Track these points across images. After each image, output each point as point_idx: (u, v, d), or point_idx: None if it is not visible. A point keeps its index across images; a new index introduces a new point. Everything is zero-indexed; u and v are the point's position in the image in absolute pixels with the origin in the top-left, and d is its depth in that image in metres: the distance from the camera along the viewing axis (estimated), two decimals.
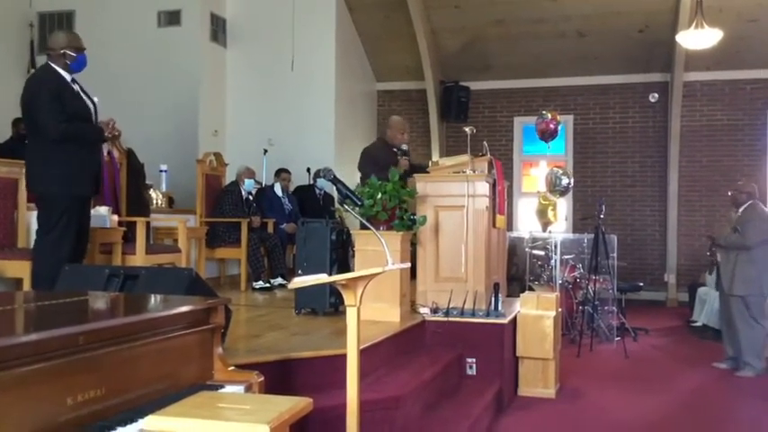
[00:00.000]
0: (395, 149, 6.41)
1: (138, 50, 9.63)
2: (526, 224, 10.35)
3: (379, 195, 4.82)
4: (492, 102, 11.70)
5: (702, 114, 10.86)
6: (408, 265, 4.48)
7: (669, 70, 10.70)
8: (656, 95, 10.96)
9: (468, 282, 5.31)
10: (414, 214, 5.23)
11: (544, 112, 8.73)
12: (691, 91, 10.75)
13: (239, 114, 10.29)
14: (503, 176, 5.96)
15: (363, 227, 4.53)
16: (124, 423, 2.05)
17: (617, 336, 7.58)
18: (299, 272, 5.04)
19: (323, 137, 10.02)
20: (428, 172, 5.71)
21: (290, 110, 10.06)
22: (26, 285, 4.58)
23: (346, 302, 2.75)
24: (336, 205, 8.64)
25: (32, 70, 9.21)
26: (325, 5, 10.19)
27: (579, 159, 11.34)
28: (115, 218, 5.48)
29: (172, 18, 9.74)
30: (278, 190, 8.35)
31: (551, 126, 8.49)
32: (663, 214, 10.96)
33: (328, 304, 5.07)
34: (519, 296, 5.78)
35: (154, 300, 2.90)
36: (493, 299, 5.30)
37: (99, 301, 2.90)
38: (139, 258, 5.29)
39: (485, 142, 6.12)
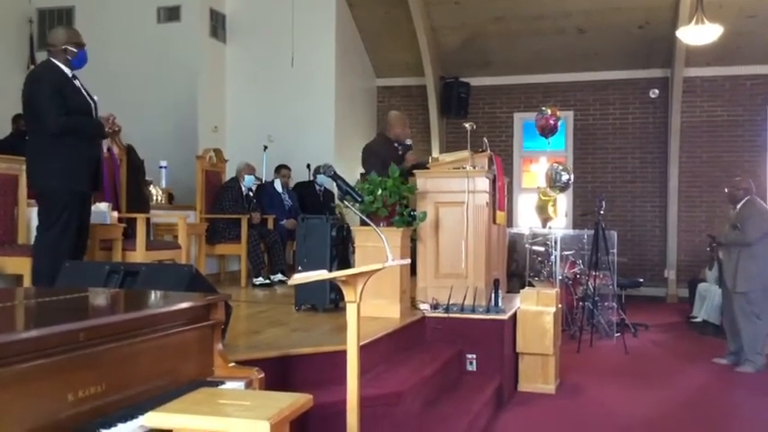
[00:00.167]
0: (396, 144, 6.40)
1: (137, 46, 9.63)
2: (526, 220, 10.36)
3: (380, 191, 4.81)
4: (492, 98, 11.69)
5: (703, 110, 10.86)
6: (408, 261, 4.48)
7: (669, 66, 10.69)
8: (657, 91, 10.95)
9: (468, 278, 5.31)
10: (414, 210, 5.23)
11: (544, 108, 8.73)
12: (691, 87, 10.75)
13: (239, 110, 10.28)
14: (503, 172, 5.96)
15: (363, 223, 4.53)
16: (124, 419, 2.05)
17: (617, 332, 7.58)
18: (299, 268, 5.04)
19: (323, 133, 10.02)
20: (428, 168, 5.71)
21: (289, 106, 10.05)
22: (26, 282, 4.58)
23: (346, 299, 2.75)
24: (336, 201, 8.64)
25: (32, 66, 9.19)
26: (325, 1, 10.19)
27: (579, 155, 11.34)
28: (115, 214, 5.47)
29: (171, 14, 9.74)
30: (278, 186, 8.34)
31: (551, 122, 8.49)
32: (663, 210, 10.96)
33: (328, 300, 5.07)
34: (519, 292, 5.78)
35: (154, 296, 2.90)
36: (493, 295, 5.30)
37: (99, 297, 2.90)
38: (139, 255, 5.28)
39: (485, 138, 6.12)
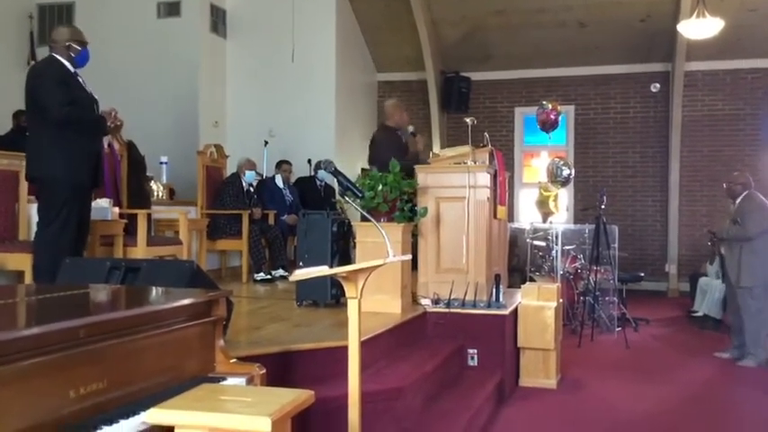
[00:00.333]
0: (398, 132, 6.45)
1: (137, 42, 9.61)
2: (527, 215, 10.35)
3: (380, 187, 4.81)
4: (493, 92, 11.68)
5: (704, 104, 10.84)
6: (409, 257, 4.48)
7: (670, 60, 10.67)
8: (658, 85, 10.94)
9: (469, 273, 5.31)
10: (415, 205, 5.23)
11: (544, 102, 8.72)
12: (692, 81, 10.73)
13: (239, 106, 10.27)
14: (504, 167, 5.96)
15: (364, 218, 4.53)
16: (126, 416, 2.05)
17: (618, 326, 7.59)
18: (301, 264, 5.04)
19: (323, 128, 10.01)
20: (429, 163, 5.70)
21: (290, 101, 10.04)
22: (27, 278, 4.58)
23: (347, 295, 2.75)
24: (337, 197, 8.64)
25: (33, 62, 9.18)
26: None
27: (580, 150, 11.33)
28: (116, 210, 5.47)
29: (171, 9, 9.72)
30: (279, 181, 8.34)
31: (552, 117, 8.47)
32: (664, 204, 10.96)
33: (329, 296, 5.07)
34: (520, 287, 5.78)
35: (155, 292, 2.90)
36: (494, 290, 5.30)
37: (100, 293, 2.90)
38: (140, 250, 5.29)
39: (485, 133, 6.12)
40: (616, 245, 7.91)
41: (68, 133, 4.36)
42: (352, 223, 5.46)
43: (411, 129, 6.58)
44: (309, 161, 9.13)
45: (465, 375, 4.95)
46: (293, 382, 3.39)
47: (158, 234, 6.70)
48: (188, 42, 9.63)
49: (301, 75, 10.00)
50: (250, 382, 2.62)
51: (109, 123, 4.65)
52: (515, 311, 5.40)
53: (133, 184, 6.26)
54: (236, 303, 4.54)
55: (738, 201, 6.47)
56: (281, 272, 7.18)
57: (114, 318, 2.26)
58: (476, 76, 11.49)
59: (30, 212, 5.10)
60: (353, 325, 2.73)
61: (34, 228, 4.64)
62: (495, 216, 5.66)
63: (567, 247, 8.26)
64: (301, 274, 2.76)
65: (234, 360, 2.72)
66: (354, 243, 5.17)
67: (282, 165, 8.58)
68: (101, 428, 1.97)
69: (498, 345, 5.11)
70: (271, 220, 7.70)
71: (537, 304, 5.40)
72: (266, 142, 9.38)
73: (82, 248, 4.61)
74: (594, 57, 10.93)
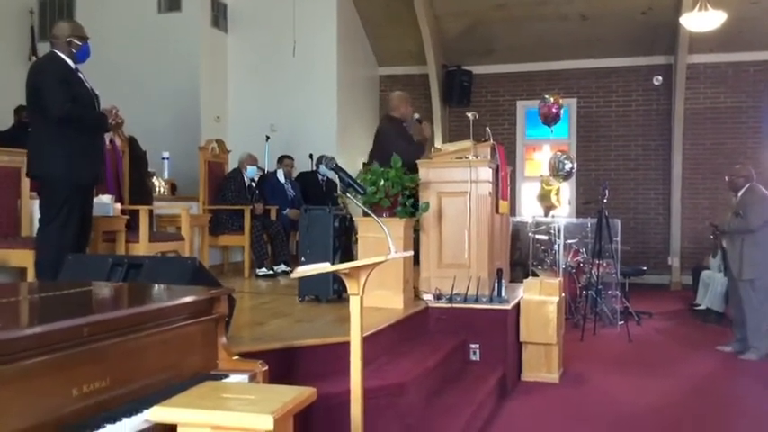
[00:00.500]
0: (404, 124, 6.48)
1: (138, 37, 9.60)
2: (529, 209, 10.34)
3: (382, 182, 4.81)
4: (494, 86, 11.66)
5: (706, 97, 10.82)
6: (411, 253, 4.47)
7: (673, 53, 10.64)
8: (660, 78, 10.92)
9: (471, 268, 5.30)
10: (417, 200, 5.23)
11: (546, 96, 8.71)
12: (694, 73, 10.70)
13: (241, 100, 10.26)
14: (506, 162, 5.95)
15: (366, 214, 4.53)
16: (129, 414, 2.06)
17: (620, 320, 7.59)
18: (303, 259, 5.04)
19: (325, 122, 10.00)
20: (430, 158, 5.70)
21: (291, 95, 10.04)
22: (30, 274, 4.59)
23: (349, 291, 2.75)
24: (339, 192, 8.63)
25: (33, 57, 9.19)
26: None
27: (582, 143, 11.31)
28: (118, 206, 5.47)
29: (172, 4, 9.71)
30: (281, 176, 8.34)
31: (553, 110, 8.47)
32: (666, 197, 10.95)
33: (332, 291, 5.07)
34: (522, 281, 5.78)
35: (158, 290, 2.90)
36: (496, 284, 5.29)
37: (103, 291, 2.91)
38: (143, 246, 5.29)
39: (487, 128, 6.10)
40: (618, 238, 7.91)
41: (69, 131, 4.36)
42: (354, 218, 5.45)
43: (417, 116, 6.63)
44: (311, 156, 9.11)
45: (467, 370, 4.95)
46: (295, 378, 3.40)
47: (160, 230, 6.70)
48: (189, 37, 9.62)
49: (302, 69, 9.99)
50: (253, 379, 2.62)
51: (110, 121, 4.65)
52: (517, 306, 5.40)
53: (135, 179, 6.26)
54: (239, 299, 4.53)
55: (741, 193, 6.46)
56: (283, 267, 7.19)
57: (117, 316, 2.26)
58: (477, 69, 11.47)
59: (32, 209, 5.10)
60: (355, 322, 2.74)
61: (36, 224, 4.65)
62: (497, 211, 5.66)
63: (570, 241, 8.25)
64: (303, 271, 2.76)
65: (236, 357, 2.72)
66: (356, 238, 5.16)
67: (284, 160, 8.57)
68: (104, 427, 1.97)
69: (500, 339, 5.11)
70: (273, 216, 7.70)
71: (539, 299, 5.40)
72: (268, 137, 9.37)
73: (85, 245, 4.61)
74: (596, 50, 10.90)
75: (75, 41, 4.51)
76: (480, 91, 11.58)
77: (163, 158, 8.06)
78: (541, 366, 5.44)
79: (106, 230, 5.29)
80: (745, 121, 10.67)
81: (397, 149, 5.40)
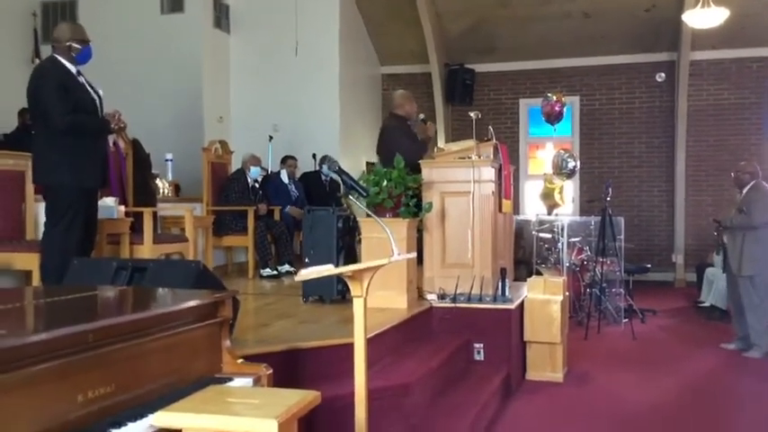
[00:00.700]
0: (408, 122, 6.48)
1: (140, 38, 9.61)
2: (532, 207, 10.33)
3: (385, 183, 4.81)
4: (497, 84, 11.64)
5: (709, 93, 10.79)
6: (414, 255, 4.47)
7: (676, 49, 10.61)
8: (663, 75, 10.89)
9: (474, 267, 5.31)
10: (420, 200, 5.23)
11: (549, 94, 8.69)
12: (697, 70, 10.67)
13: (244, 101, 10.27)
14: (508, 161, 5.94)
15: (369, 215, 4.53)
16: (134, 419, 2.07)
17: (625, 317, 7.59)
18: (306, 260, 5.05)
19: (328, 122, 10.01)
20: (433, 158, 5.70)
21: (294, 95, 10.04)
22: (35, 277, 4.60)
23: (353, 293, 2.75)
24: (342, 194, 8.64)
25: (36, 60, 9.19)
26: None
27: (585, 141, 11.29)
28: (122, 208, 5.49)
29: (174, 5, 9.72)
30: (284, 177, 8.34)
31: (556, 108, 8.45)
32: (670, 195, 10.93)
33: (335, 292, 5.08)
34: (526, 280, 5.79)
35: (162, 294, 2.91)
36: (500, 284, 5.30)
37: (108, 296, 2.92)
38: (147, 248, 5.30)
39: (490, 127, 6.10)
40: (622, 236, 7.89)
41: (71, 138, 4.37)
42: (357, 219, 5.46)
43: (422, 116, 6.64)
44: (314, 155, 9.13)
45: (471, 370, 4.96)
46: (300, 380, 3.41)
47: (164, 231, 6.72)
48: (191, 38, 9.63)
49: (305, 69, 9.99)
50: (257, 382, 2.63)
51: (112, 126, 4.65)
52: (521, 305, 5.40)
53: (138, 181, 6.27)
54: (243, 300, 4.55)
55: (745, 190, 6.46)
56: (287, 267, 7.20)
57: (122, 322, 2.27)
58: (480, 68, 11.46)
59: (36, 212, 5.12)
60: (359, 324, 2.74)
61: (41, 227, 4.66)
62: (500, 210, 5.66)
63: (573, 239, 8.25)
64: (306, 273, 2.76)
65: (241, 360, 2.73)
66: (360, 239, 5.17)
67: (287, 160, 8.58)
68: None
69: (504, 339, 5.11)
70: (276, 216, 7.71)
71: (543, 298, 5.40)
72: (271, 137, 9.38)
73: (90, 248, 4.62)
74: (599, 47, 10.87)
75: (76, 45, 4.50)
76: (483, 89, 11.57)
77: (166, 160, 8.07)
78: (546, 365, 5.44)
79: (110, 233, 5.31)
80: (748, 118, 10.65)
81: (402, 147, 5.41)
